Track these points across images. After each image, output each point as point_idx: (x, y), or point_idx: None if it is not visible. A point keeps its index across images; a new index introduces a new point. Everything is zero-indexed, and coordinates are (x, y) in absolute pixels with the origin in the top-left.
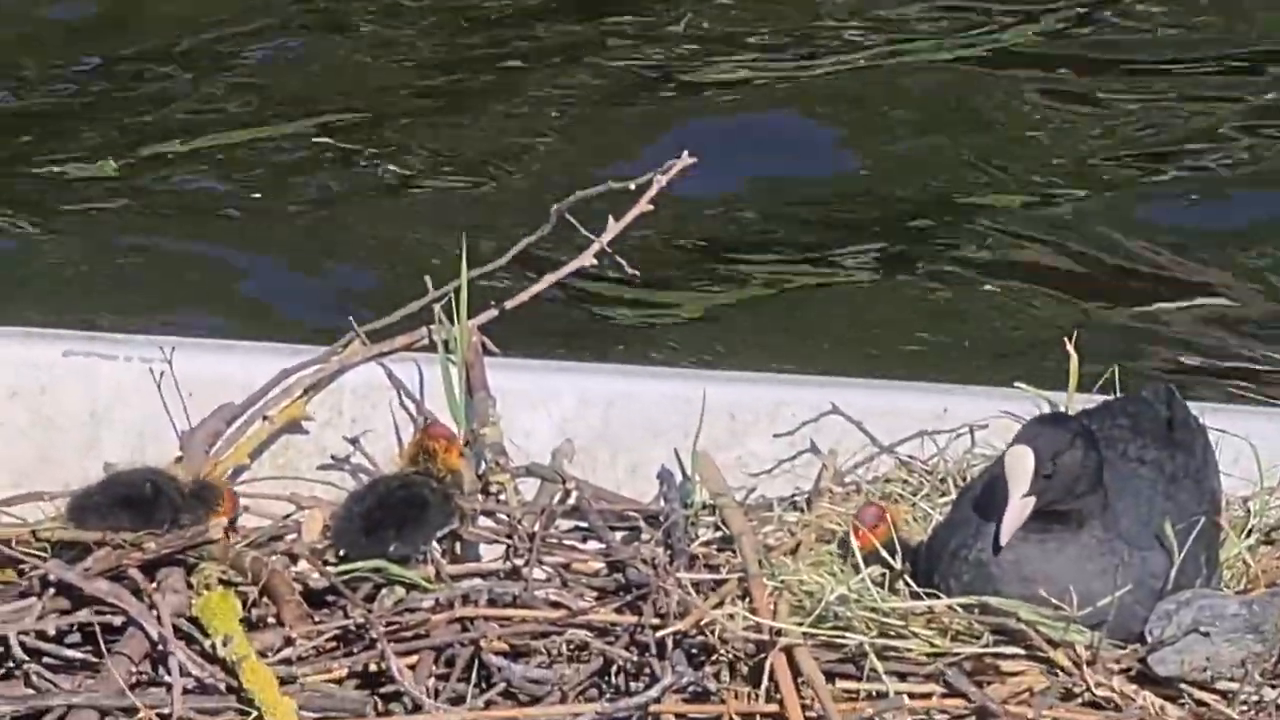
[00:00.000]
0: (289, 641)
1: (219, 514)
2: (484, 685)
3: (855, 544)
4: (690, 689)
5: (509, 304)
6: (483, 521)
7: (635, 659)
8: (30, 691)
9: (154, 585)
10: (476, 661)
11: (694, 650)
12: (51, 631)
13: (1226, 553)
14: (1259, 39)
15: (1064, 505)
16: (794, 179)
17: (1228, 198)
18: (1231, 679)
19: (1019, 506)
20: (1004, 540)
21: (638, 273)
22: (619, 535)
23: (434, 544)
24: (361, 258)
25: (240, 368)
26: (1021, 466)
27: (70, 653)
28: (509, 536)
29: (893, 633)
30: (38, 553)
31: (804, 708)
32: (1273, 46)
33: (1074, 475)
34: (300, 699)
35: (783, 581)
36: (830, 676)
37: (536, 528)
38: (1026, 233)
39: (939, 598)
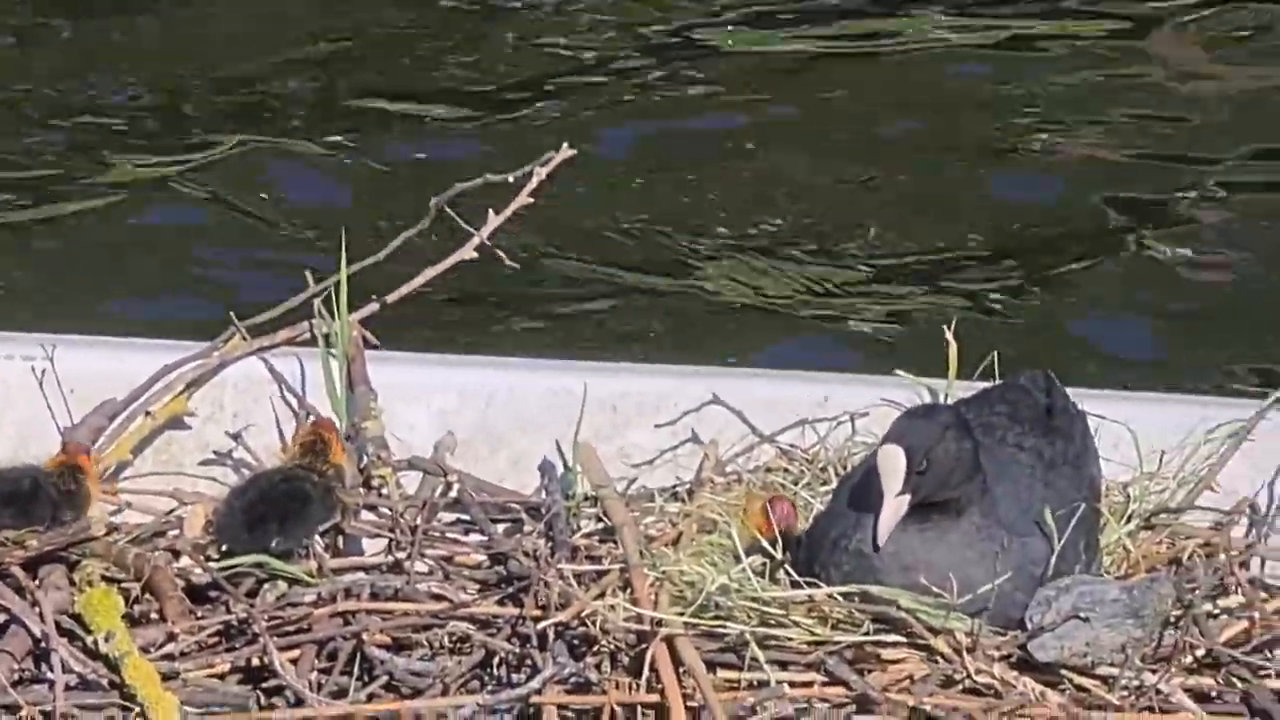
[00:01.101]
0: (171, 637)
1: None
2: (366, 678)
3: (764, 523)
4: (572, 680)
5: (389, 298)
6: (365, 515)
7: (517, 650)
8: None
9: (36, 582)
10: (359, 655)
11: (575, 641)
12: None
13: (1106, 538)
14: None
15: (940, 496)
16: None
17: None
18: (1112, 664)
19: (894, 505)
20: (881, 540)
21: (518, 265)
22: (501, 527)
23: (316, 538)
24: (242, 252)
25: (122, 364)
26: (893, 466)
27: None
28: (391, 530)
29: (774, 622)
30: None
31: (685, 697)
32: None
33: (948, 468)
34: (183, 694)
35: (664, 572)
36: (711, 666)
37: (418, 521)
38: (905, 219)
39: (820, 587)
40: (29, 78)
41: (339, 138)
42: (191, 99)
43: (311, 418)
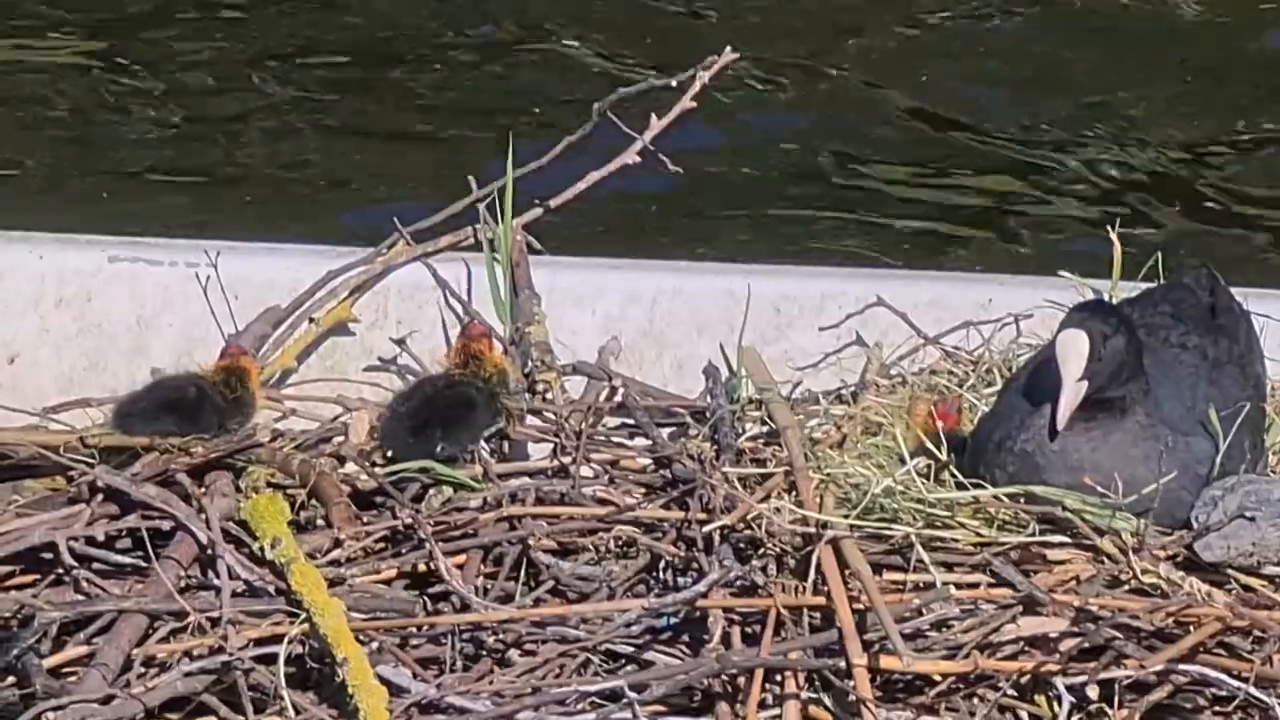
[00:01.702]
0: (337, 543)
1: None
2: (532, 583)
3: (930, 424)
4: (737, 583)
5: (553, 202)
6: (530, 420)
7: (682, 554)
8: (80, 597)
9: (202, 490)
10: (525, 560)
11: (741, 544)
12: (100, 537)
13: (1272, 438)
14: None
15: (1110, 392)
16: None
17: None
18: (1278, 564)
19: (1074, 390)
20: (1061, 425)
21: (681, 170)
22: (665, 432)
23: (482, 443)
24: (406, 158)
25: (285, 271)
26: (1075, 350)
27: (120, 558)
28: (556, 435)
29: (939, 524)
30: (86, 459)
31: (851, 600)
32: None
33: (1119, 361)
34: (349, 600)
35: (829, 475)
36: (877, 568)
37: (583, 426)
38: (1067, 134)
39: (985, 489)
40: None
41: (498, 39)
42: None
43: (461, 329)
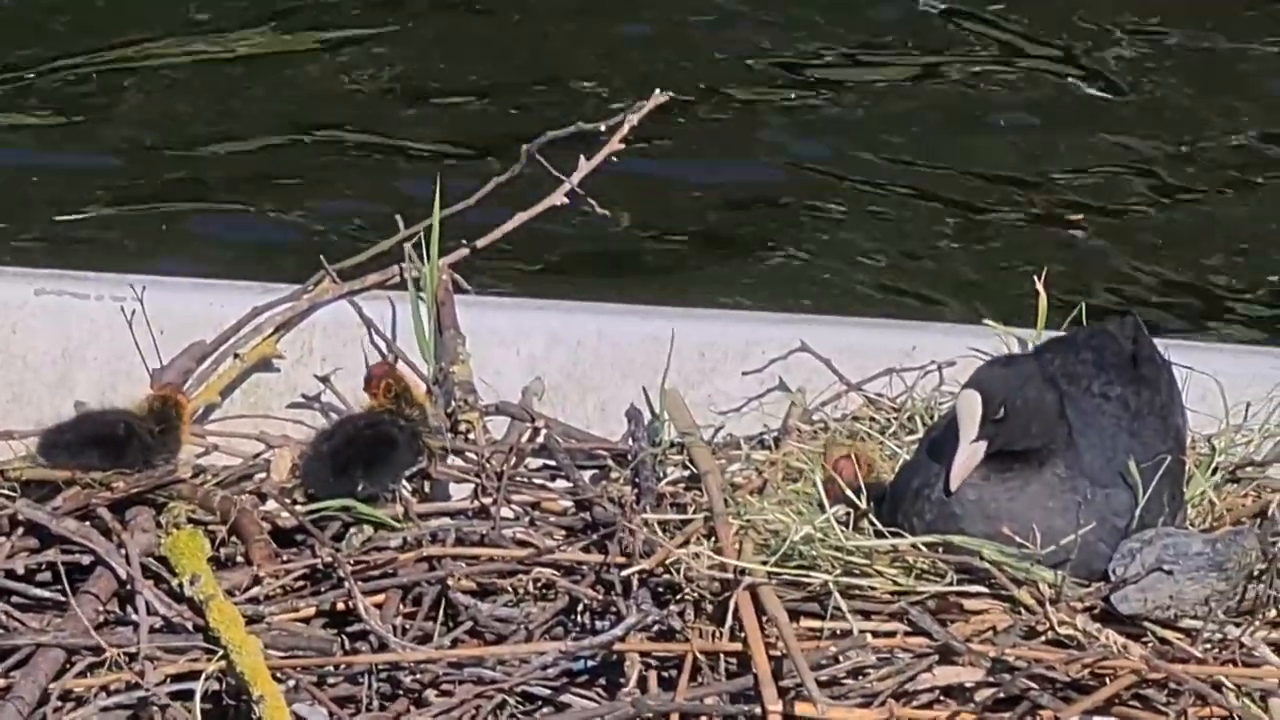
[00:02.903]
0: (257, 580)
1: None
2: (451, 624)
3: (822, 492)
4: (655, 627)
5: (480, 243)
6: (451, 460)
7: (601, 597)
8: None
9: (123, 525)
10: (444, 600)
11: (659, 589)
12: (20, 570)
13: (1191, 491)
14: None
15: (1021, 445)
16: None
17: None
18: (1195, 617)
19: (969, 451)
20: (954, 486)
21: (608, 213)
22: (587, 474)
23: (403, 483)
24: (332, 197)
25: (211, 306)
26: (969, 411)
27: (39, 592)
28: (478, 475)
29: (857, 571)
30: (6, 491)
31: (768, 646)
32: None
33: (1028, 417)
34: (267, 638)
35: (748, 520)
36: (794, 615)
37: (505, 466)
38: (996, 172)
39: (903, 537)
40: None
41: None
42: None
43: (372, 367)
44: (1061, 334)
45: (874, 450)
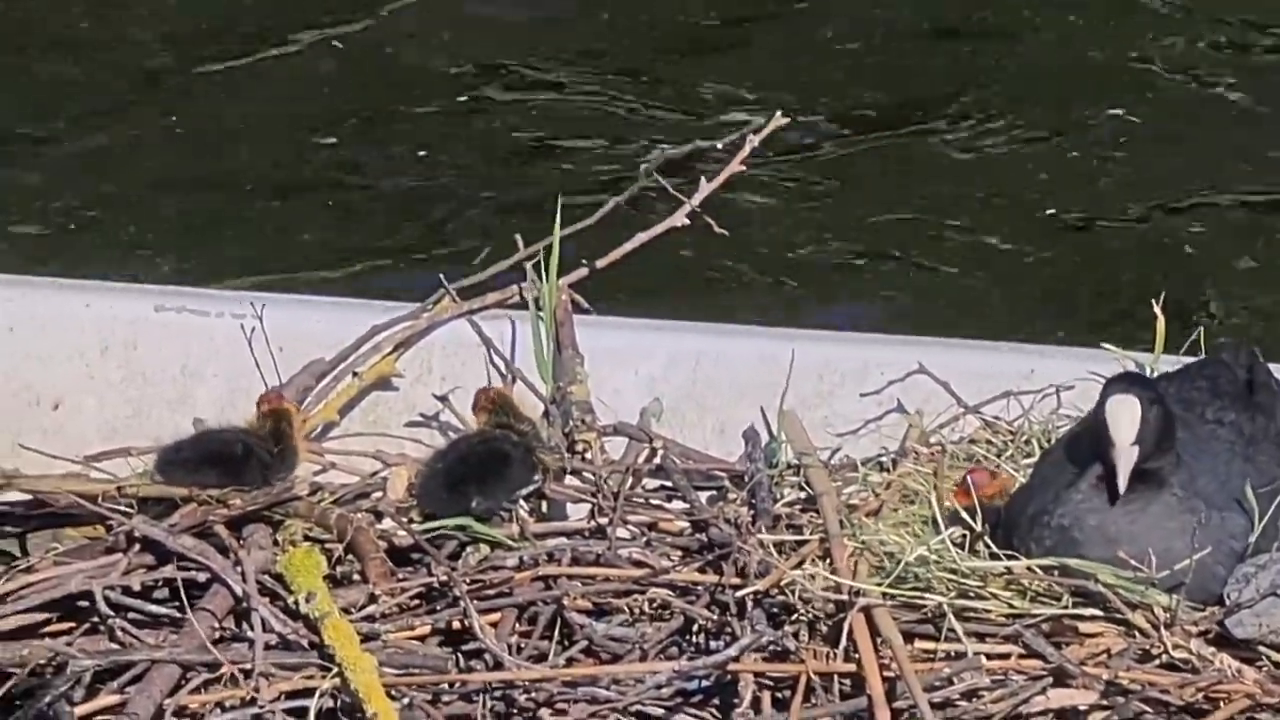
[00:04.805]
0: (372, 598)
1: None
2: (566, 643)
3: (960, 500)
4: (769, 648)
5: (600, 263)
6: (569, 480)
7: (715, 618)
8: (114, 646)
9: (239, 542)
10: (559, 619)
11: (774, 610)
12: (136, 587)
13: None
14: None
15: (1149, 464)
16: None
17: None
18: None
19: (1129, 454)
20: (1123, 489)
21: (728, 232)
22: (704, 495)
23: (520, 502)
24: (454, 216)
25: (330, 324)
26: (1128, 415)
27: (155, 608)
28: (594, 495)
29: (972, 594)
30: (125, 508)
31: (882, 668)
32: None
33: (1158, 430)
34: (382, 656)
35: (864, 542)
36: (909, 637)
37: (621, 487)
38: (1112, 193)
39: (1018, 559)
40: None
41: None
42: None
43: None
44: (1181, 361)
45: (1010, 479)
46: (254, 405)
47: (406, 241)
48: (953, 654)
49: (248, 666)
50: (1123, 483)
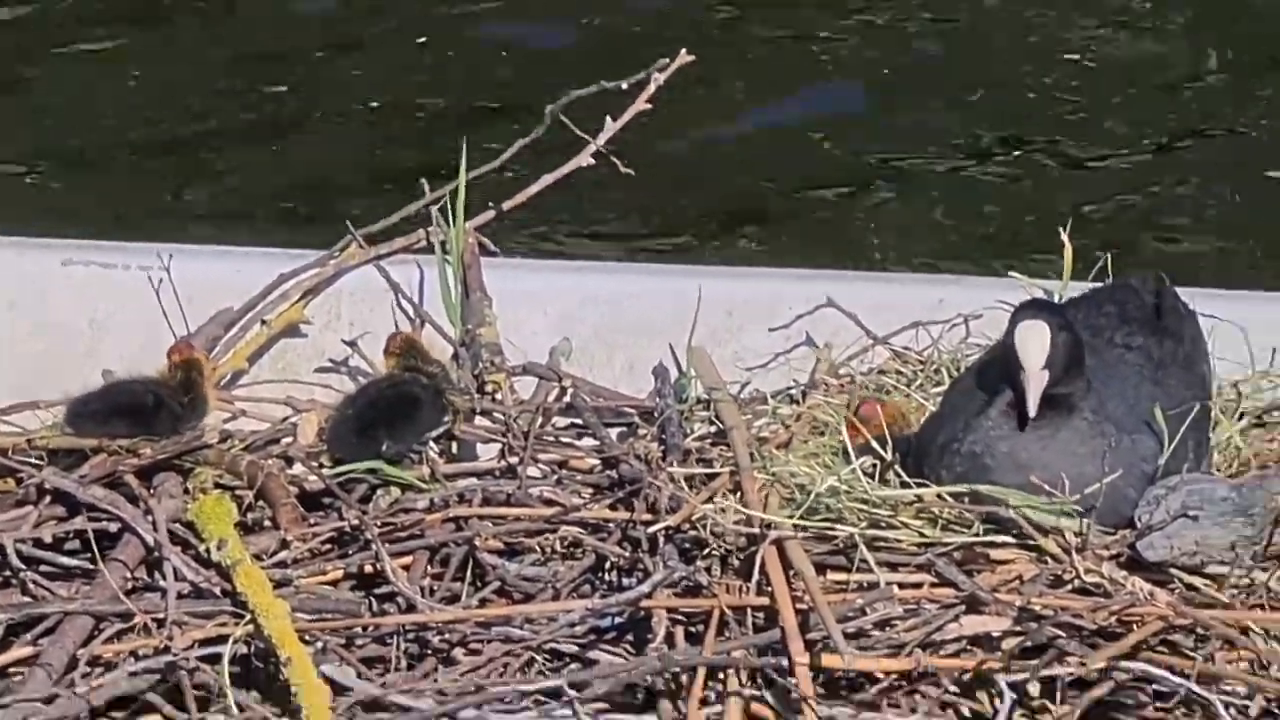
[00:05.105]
0: (284, 544)
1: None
2: (478, 583)
3: (846, 437)
4: (682, 583)
5: (506, 205)
6: (478, 421)
7: (627, 555)
8: (27, 599)
9: (150, 491)
10: (471, 560)
11: (686, 545)
12: (48, 539)
13: (1217, 437)
14: None
15: (1058, 389)
16: None
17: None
18: (1221, 563)
19: (1039, 378)
20: (1032, 413)
21: (634, 172)
22: (614, 432)
23: (430, 444)
24: (358, 161)
25: (238, 273)
26: (1037, 340)
27: (66, 560)
28: (504, 435)
29: (883, 524)
30: (35, 461)
31: (794, 600)
32: None
33: (1067, 354)
34: (294, 601)
35: (774, 474)
36: (821, 568)
37: (531, 426)
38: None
39: (929, 487)
40: None
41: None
42: None
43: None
44: (1086, 287)
45: (903, 403)
46: (164, 356)
47: (312, 189)
48: (865, 584)
49: (161, 615)
50: (1033, 406)
